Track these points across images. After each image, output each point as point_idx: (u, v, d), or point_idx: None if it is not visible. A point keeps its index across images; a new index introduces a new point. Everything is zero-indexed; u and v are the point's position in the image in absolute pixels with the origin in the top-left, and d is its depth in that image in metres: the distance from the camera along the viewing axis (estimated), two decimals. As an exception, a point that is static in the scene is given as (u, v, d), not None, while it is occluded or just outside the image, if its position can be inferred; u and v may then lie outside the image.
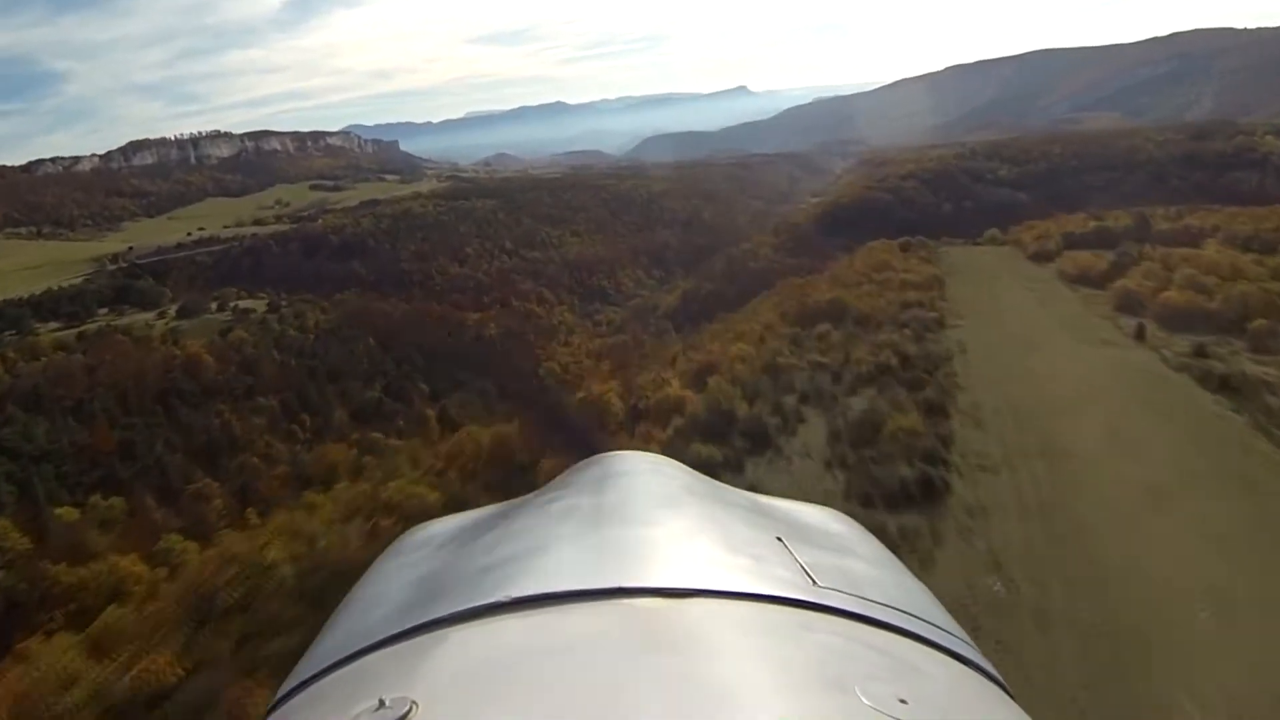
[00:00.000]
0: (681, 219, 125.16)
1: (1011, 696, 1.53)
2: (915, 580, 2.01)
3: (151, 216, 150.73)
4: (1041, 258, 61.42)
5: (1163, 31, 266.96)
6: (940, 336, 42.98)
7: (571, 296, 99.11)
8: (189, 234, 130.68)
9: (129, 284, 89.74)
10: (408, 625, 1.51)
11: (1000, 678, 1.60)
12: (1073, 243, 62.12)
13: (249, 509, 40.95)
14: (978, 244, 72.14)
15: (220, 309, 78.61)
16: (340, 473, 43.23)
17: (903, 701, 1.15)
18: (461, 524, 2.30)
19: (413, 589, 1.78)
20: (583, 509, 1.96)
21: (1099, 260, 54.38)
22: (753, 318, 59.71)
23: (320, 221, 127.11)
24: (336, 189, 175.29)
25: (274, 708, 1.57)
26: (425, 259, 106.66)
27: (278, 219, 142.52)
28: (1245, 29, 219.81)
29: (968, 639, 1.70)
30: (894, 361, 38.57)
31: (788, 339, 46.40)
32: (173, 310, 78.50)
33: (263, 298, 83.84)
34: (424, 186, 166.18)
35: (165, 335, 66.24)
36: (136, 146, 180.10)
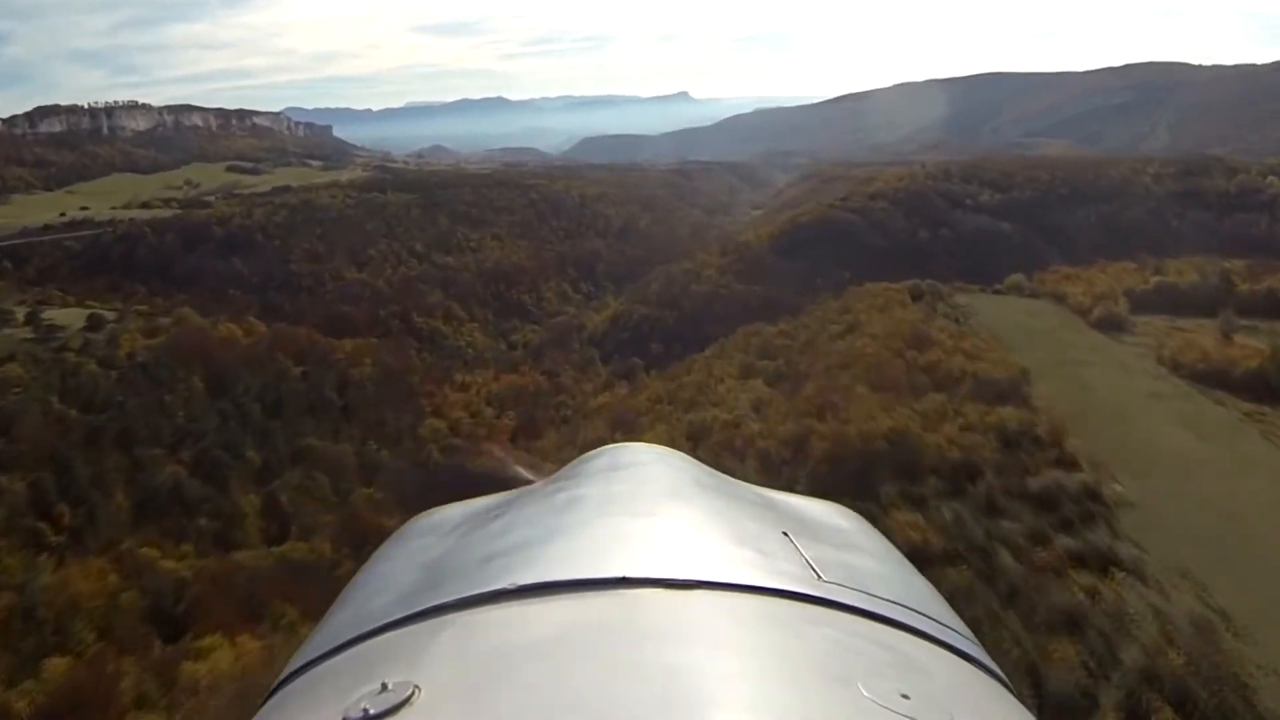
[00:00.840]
0: (615, 227, 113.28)
1: (1014, 694, 1.56)
2: (921, 578, 2.00)
3: (50, 190, 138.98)
4: (1111, 326, 48.74)
5: (1116, 62, 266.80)
6: (1140, 553, 24.99)
7: (485, 311, 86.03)
8: (62, 214, 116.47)
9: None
10: (412, 610, 1.52)
11: (1003, 675, 1.61)
12: (1136, 303, 50.46)
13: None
14: (999, 292, 59.62)
15: (28, 321, 60.62)
16: (83, 617, 27.57)
17: (905, 697, 1.15)
18: (467, 511, 2.25)
19: (418, 574, 1.78)
20: (589, 499, 1.96)
21: (1227, 348, 41.28)
22: (715, 395, 45.92)
23: (206, 211, 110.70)
24: (254, 172, 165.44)
25: (275, 690, 1.57)
26: (319, 260, 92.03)
27: (165, 203, 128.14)
28: (1201, 65, 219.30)
29: (972, 636, 1.71)
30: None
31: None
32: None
33: (93, 305, 66.82)
34: (345, 175, 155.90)
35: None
36: (44, 112, 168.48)
